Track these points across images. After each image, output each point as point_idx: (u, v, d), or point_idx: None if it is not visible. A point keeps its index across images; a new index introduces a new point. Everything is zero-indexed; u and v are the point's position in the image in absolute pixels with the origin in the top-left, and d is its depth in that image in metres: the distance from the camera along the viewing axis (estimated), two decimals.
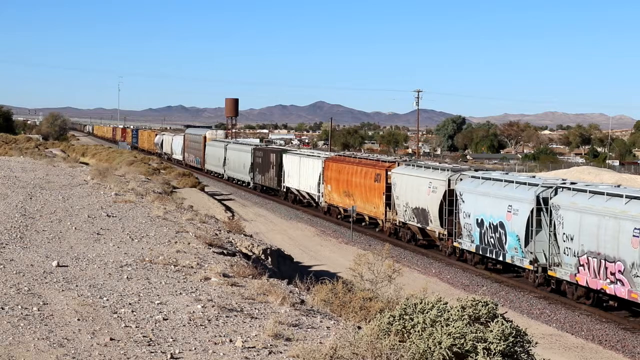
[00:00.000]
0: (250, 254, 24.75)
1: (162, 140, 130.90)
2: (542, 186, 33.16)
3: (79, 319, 12.27)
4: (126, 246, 19.49)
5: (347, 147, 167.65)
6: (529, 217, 32.96)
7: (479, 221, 36.74)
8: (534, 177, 38.99)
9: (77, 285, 14.67)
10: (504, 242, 34.87)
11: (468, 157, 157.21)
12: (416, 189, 42.92)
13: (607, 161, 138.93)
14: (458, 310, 10.54)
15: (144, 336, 11.52)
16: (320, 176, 58.96)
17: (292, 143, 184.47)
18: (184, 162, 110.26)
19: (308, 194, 62.51)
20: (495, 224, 35.42)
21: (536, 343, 10.62)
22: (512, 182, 35.26)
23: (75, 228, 22.06)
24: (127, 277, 15.61)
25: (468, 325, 10.21)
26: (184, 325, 12.24)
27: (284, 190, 68.36)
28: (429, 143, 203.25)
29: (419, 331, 10.23)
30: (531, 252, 33.08)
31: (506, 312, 13.79)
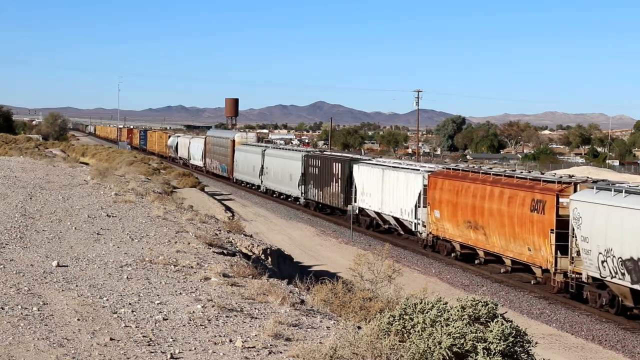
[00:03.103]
0: (250, 254, 24.76)
1: (177, 143, 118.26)
2: None
3: (79, 319, 12.27)
4: (126, 246, 19.50)
5: (347, 147, 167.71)
6: None
7: None
8: None
9: (77, 285, 14.68)
10: None
11: (468, 157, 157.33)
12: (634, 229, 27.33)
13: (607, 161, 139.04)
14: (458, 310, 10.53)
15: (144, 336, 11.52)
16: (420, 197, 43.77)
17: (292, 143, 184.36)
18: (204, 169, 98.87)
19: (397, 219, 47.21)
20: None
21: (536, 343, 10.62)
22: None
23: (75, 228, 22.07)
24: (127, 277, 15.61)
25: (468, 325, 10.21)
26: (184, 325, 12.24)
27: (356, 211, 53.53)
28: (429, 143, 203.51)
29: (419, 331, 10.23)
30: None
31: (506, 312, 13.79)
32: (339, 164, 56.56)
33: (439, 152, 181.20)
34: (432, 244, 42.75)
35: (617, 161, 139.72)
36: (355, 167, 53.48)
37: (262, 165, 74.66)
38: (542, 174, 37.46)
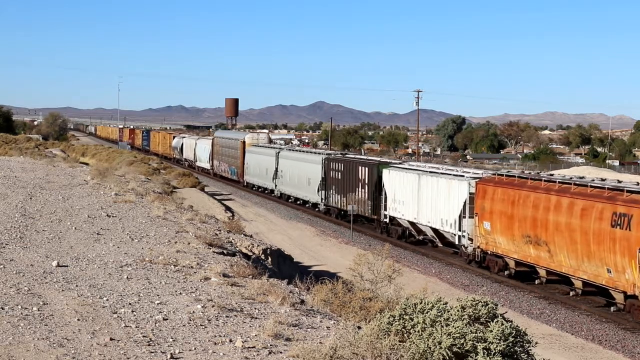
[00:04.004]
0: (250, 254, 24.75)
1: (182, 144, 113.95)
2: None
3: (79, 319, 12.27)
4: (126, 246, 19.49)
5: (347, 147, 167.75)
6: None
7: None
8: None
9: (77, 285, 14.67)
10: None
11: (468, 157, 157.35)
12: None
13: (607, 161, 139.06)
14: (458, 310, 10.53)
15: (144, 336, 11.52)
16: (465, 206, 38.83)
17: (292, 143, 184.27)
18: (212, 172, 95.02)
19: (436, 230, 42.49)
20: None
21: (536, 343, 10.62)
22: None
23: (75, 228, 22.07)
24: (127, 277, 15.61)
25: (468, 325, 10.20)
26: (184, 325, 12.24)
27: (386, 220, 48.72)
28: (429, 143, 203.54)
29: (419, 331, 10.22)
30: None
31: (506, 312, 13.79)
32: (366, 168, 51.81)
33: (439, 152, 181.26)
34: (479, 259, 37.83)
35: (617, 161, 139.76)
36: (385, 171, 48.68)
37: (276, 168, 70.56)
38: (620, 182, 31.14)
